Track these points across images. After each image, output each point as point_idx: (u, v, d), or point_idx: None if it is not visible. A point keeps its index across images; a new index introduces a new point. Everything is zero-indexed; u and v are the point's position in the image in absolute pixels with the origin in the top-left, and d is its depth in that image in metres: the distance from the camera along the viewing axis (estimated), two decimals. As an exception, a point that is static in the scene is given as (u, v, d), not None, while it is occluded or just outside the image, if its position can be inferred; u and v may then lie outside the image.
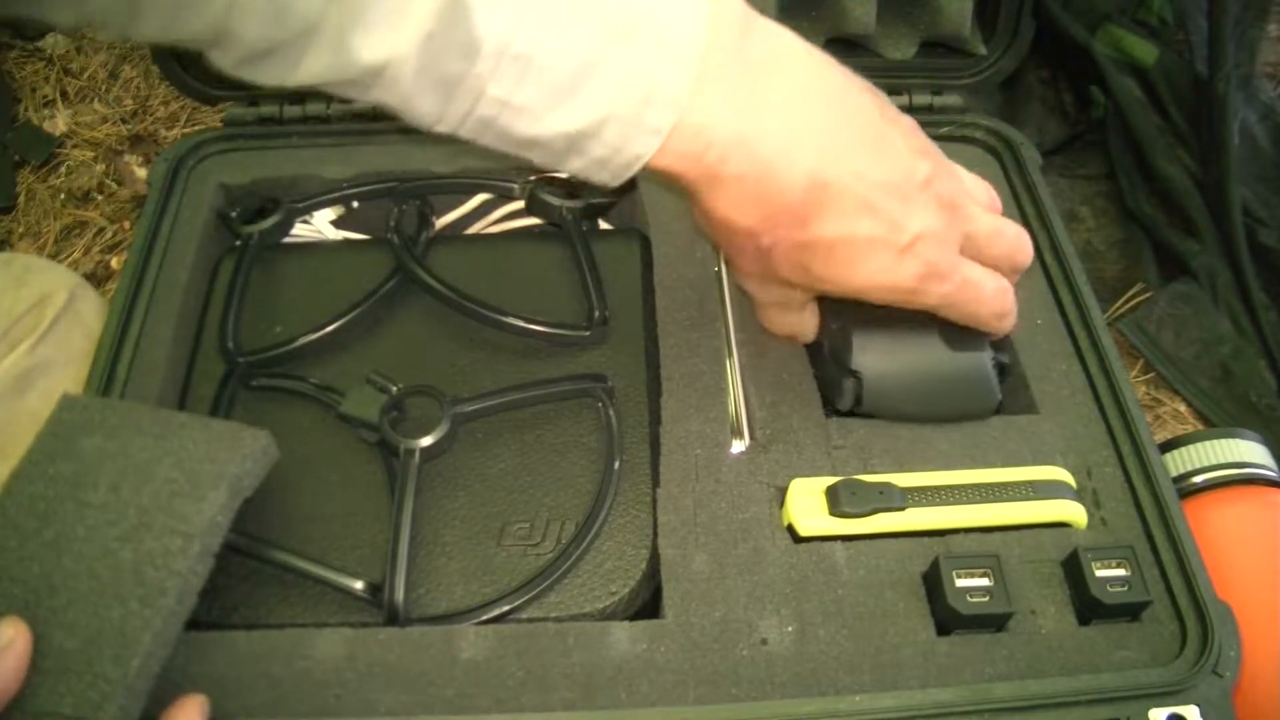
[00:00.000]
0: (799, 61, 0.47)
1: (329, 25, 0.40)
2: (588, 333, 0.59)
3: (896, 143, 0.48)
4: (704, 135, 0.44)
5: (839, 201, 0.46)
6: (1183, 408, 0.98)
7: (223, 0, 0.39)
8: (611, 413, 0.55)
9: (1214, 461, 0.59)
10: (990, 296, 0.51)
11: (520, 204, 0.66)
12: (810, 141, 0.45)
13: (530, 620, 0.48)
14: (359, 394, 0.54)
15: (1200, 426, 0.98)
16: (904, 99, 0.72)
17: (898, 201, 0.46)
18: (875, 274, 0.47)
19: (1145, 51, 1.06)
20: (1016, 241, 0.52)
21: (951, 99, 0.73)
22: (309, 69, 0.41)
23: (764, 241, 0.47)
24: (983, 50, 0.74)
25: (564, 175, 0.64)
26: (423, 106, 0.43)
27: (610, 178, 0.46)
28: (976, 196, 0.53)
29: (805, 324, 0.56)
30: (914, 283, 0.48)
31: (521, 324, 0.58)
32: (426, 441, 0.52)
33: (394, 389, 0.54)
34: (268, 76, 0.42)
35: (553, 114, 0.42)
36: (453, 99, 0.42)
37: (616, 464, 0.53)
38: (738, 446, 0.54)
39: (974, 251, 0.51)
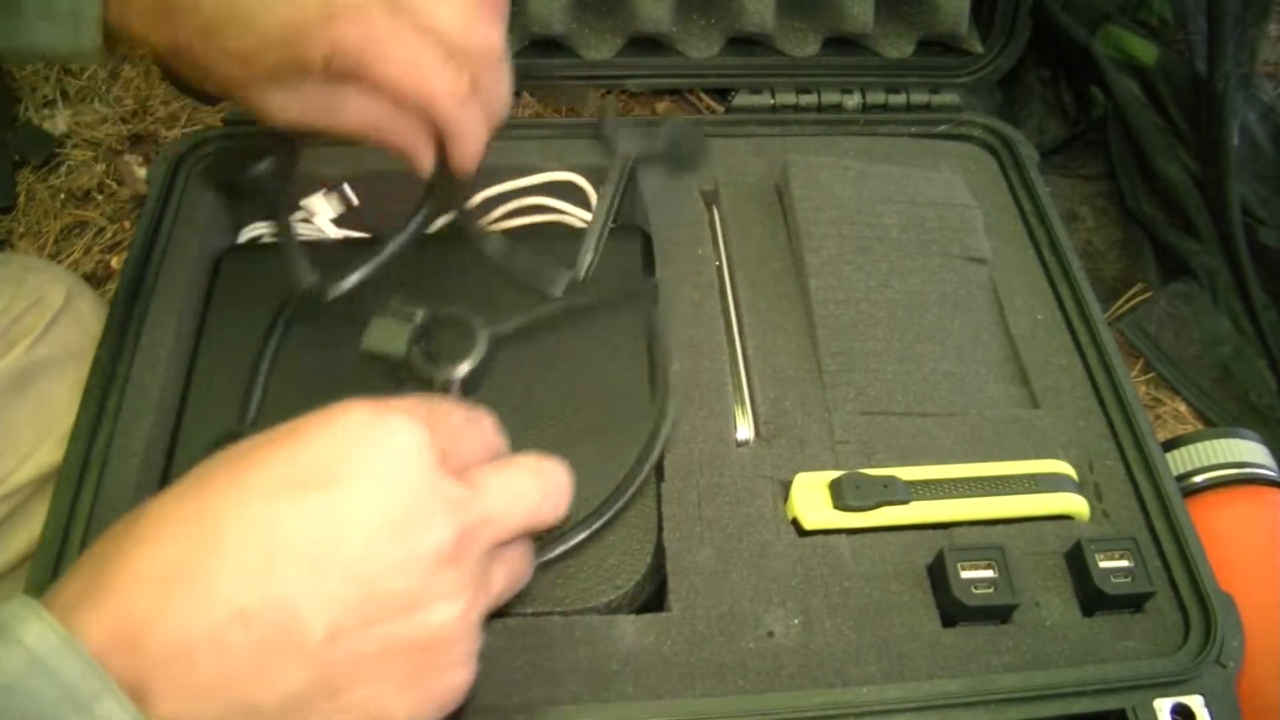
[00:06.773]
0: None
1: None
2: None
3: None
4: None
5: None
6: (1183, 408, 0.97)
7: None
8: (656, 316, 0.56)
9: (1214, 461, 0.59)
10: None
11: (528, 200, 0.66)
12: None
13: (536, 614, 0.48)
14: (379, 325, 0.45)
15: (1200, 426, 0.97)
16: (902, 97, 0.73)
17: None
18: None
19: (1145, 51, 1.06)
20: None
21: (949, 97, 0.73)
22: None
23: None
24: (979, 49, 0.74)
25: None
26: None
27: None
28: None
29: None
30: None
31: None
32: (464, 368, 0.45)
33: (418, 316, 0.45)
34: None
35: None
36: None
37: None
38: (741, 441, 0.54)
39: None
